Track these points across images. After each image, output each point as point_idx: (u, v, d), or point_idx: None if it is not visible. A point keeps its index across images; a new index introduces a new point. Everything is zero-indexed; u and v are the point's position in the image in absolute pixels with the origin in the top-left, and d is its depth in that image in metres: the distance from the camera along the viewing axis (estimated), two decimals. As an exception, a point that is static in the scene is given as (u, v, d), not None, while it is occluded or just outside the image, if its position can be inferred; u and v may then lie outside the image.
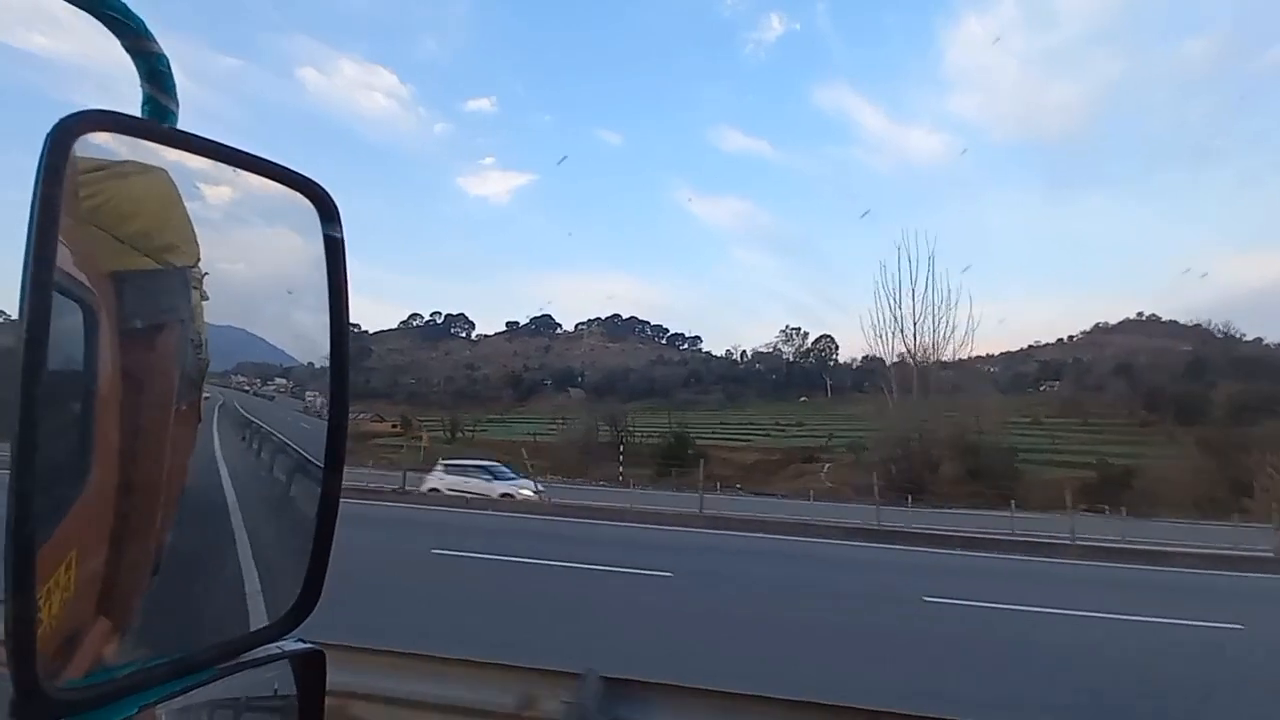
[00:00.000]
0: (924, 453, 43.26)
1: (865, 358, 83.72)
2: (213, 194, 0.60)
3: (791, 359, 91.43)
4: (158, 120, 0.54)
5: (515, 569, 9.39)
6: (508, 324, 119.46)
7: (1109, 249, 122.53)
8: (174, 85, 0.54)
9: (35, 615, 0.42)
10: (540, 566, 9.60)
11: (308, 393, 0.69)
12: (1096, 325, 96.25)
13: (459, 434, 61.71)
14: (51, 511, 0.48)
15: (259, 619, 0.55)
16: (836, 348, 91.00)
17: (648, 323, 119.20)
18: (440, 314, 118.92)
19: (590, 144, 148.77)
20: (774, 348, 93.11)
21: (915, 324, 49.91)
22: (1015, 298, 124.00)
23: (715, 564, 11.27)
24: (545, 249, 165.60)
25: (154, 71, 0.53)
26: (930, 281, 50.89)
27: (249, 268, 0.70)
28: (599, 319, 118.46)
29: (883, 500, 21.05)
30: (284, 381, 0.71)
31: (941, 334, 49.79)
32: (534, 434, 57.22)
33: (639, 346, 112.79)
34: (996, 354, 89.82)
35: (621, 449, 48.82)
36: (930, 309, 49.68)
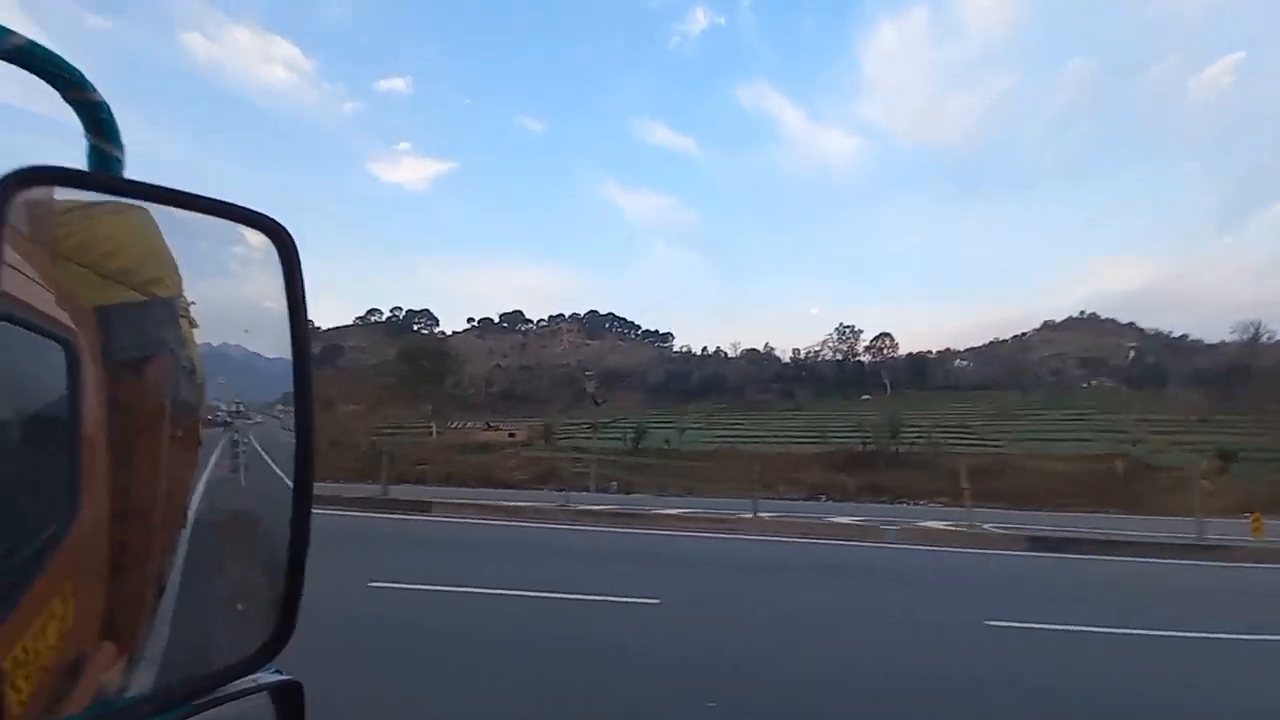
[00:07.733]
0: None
1: (910, 355, 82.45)
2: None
3: (844, 357, 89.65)
4: (104, 169, 0.54)
5: None
6: (469, 320, 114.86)
7: (1029, 253, 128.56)
8: (117, 131, 0.55)
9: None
10: None
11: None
12: (1045, 323, 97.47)
13: (641, 444, 51.12)
14: (44, 549, 0.49)
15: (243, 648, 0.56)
16: (896, 345, 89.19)
17: (622, 319, 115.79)
18: (401, 309, 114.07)
19: (513, 131, 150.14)
20: (824, 346, 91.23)
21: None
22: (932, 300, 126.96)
23: None
24: (471, 240, 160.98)
25: (97, 120, 0.54)
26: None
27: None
28: (563, 315, 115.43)
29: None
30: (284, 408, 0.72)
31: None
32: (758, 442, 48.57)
33: (619, 343, 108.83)
34: (963, 349, 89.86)
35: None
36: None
